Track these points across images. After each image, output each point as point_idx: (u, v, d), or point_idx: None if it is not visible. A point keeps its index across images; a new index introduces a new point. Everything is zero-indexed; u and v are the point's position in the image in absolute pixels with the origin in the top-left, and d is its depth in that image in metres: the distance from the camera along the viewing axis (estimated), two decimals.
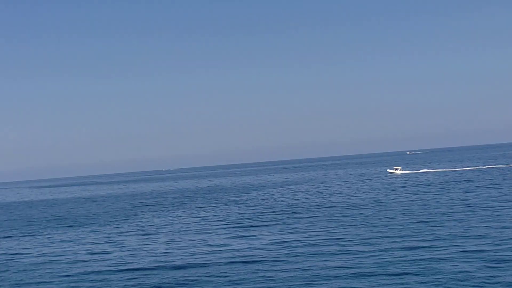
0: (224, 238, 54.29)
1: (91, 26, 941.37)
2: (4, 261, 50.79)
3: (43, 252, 54.35)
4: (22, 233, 72.68)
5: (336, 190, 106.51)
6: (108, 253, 50.55)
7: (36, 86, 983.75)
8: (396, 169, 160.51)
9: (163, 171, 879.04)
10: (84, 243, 58.03)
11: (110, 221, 78.81)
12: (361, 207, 72.72)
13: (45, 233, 70.48)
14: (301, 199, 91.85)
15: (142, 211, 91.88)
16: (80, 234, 66.14)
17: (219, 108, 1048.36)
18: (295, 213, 71.89)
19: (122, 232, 64.72)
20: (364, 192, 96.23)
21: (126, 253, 49.70)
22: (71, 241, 60.74)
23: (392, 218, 59.13)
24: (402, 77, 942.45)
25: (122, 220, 79.58)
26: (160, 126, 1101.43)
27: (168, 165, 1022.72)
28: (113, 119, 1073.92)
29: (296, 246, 46.51)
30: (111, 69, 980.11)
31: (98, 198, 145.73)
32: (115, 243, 56.17)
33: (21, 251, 55.87)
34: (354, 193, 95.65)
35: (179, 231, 61.82)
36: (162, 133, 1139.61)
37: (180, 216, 78.58)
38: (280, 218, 67.54)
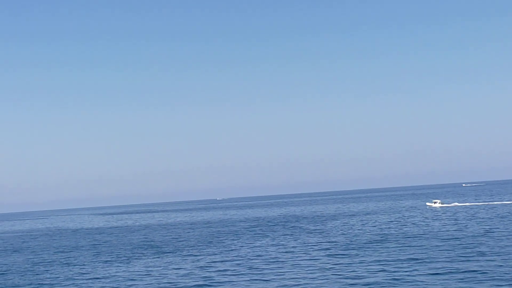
0: (339, 266, 54.13)
1: (161, 61, 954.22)
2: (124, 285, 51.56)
3: (158, 277, 54.94)
4: (117, 258, 73.56)
5: (390, 221, 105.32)
6: (233, 281, 50.42)
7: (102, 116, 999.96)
8: (435, 202, 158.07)
9: (217, 200, 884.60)
10: (191, 270, 58.42)
11: (202, 248, 79.20)
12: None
13: (141, 258, 71.17)
14: (378, 228, 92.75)
15: (227, 239, 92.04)
16: (181, 260, 66.57)
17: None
18: (385, 241, 71.61)
19: (225, 260, 64.61)
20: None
21: (254, 280, 49.76)
22: (178, 267, 61.21)
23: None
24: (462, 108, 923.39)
25: (215, 247, 79.77)
26: (215, 158, 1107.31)
27: (222, 195, 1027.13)
28: (168, 151, 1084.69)
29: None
30: (173, 102, 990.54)
31: (171, 226, 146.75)
32: (229, 271, 56.18)
33: (133, 277, 56.38)
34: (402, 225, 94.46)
35: (284, 260, 61.45)
36: (216, 165, 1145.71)
37: (272, 244, 78.34)
38: (375, 246, 67.12)
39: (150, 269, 60.83)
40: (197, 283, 49.96)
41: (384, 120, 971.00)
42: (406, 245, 66.82)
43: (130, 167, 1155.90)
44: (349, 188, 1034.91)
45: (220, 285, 48.51)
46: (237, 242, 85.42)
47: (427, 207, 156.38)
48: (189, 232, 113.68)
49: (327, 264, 55.79)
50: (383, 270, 49.56)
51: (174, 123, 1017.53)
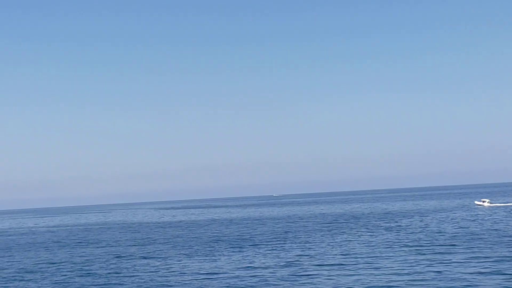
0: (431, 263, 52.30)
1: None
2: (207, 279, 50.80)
3: (248, 271, 54.09)
4: (197, 252, 73.04)
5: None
6: (331, 276, 49.23)
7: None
8: (484, 201, 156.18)
9: (273, 196, 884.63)
10: (280, 264, 57.35)
11: (281, 243, 78.24)
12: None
13: (222, 253, 70.49)
14: (455, 226, 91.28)
15: (302, 234, 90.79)
16: (266, 255, 65.70)
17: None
18: (474, 239, 69.42)
19: (310, 255, 63.56)
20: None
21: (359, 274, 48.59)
22: (262, 260, 60.29)
23: None
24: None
25: (294, 242, 78.72)
26: (270, 153, 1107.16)
27: (277, 191, 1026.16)
28: (226, 146, 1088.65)
29: None
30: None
31: (238, 221, 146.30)
32: (323, 266, 55.18)
33: (223, 270, 55.67)
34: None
35: (373, 256, 59.92)
36: (272, 160, 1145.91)
37: (353, 240, 76.84)
38: (461, 244, 65.05)
39: (236, 262, 60.19)
40: (292, 276, 48.82)
41: (430, 117, 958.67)
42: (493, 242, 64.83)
43: (187, 161, 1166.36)
44: (397, 186, 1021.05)
45: (316, 278, 47.48)
46: (315, 237, 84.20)
47: (476, 206, 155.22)
48: (260, 227, 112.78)
49: (421, 261, 54.15)
50: (486, 268, 47.65)
51: (230, 118, 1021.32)
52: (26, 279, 57.10)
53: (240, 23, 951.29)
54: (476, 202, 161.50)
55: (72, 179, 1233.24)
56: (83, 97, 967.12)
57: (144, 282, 51.16)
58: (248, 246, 76.07)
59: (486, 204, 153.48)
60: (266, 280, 48.53)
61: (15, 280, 56.94)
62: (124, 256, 72.03)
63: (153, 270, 57.92)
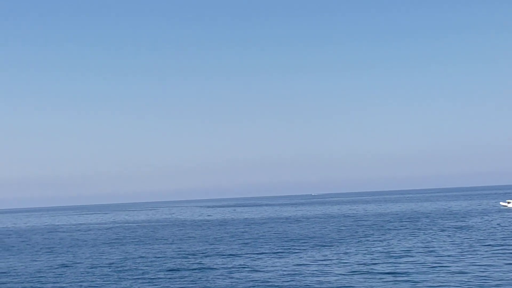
0: None
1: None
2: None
3: (329, 269, 52.87)
4: (270, 249, 71.99)
5: None
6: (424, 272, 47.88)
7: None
8: (509, 202, 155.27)
9: (312, 195, 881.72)
10: (362, 263, 55.99)
11: (354, 242, 76.86)
12: None
13: (295, 250, 69.36)
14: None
15: (371, 233, 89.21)
16: (344, 253, 64.35)
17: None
18: None
19: (389, 252, 62.12)
20: None
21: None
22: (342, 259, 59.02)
23: None
24: None
25: (367, 241, 77.25)
26: (309, 152, 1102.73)
27: (316, 190, 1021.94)
28: (270, 143, 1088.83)
29: None
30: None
31: (295, 219, 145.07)
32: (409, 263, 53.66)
33: (304, 269, 54.53)
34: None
35: (456, 254, 58.30)
36: (311, 159, 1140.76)
37: (426, 239, 75.04)
38: None
39: (315, 261, 59.01)
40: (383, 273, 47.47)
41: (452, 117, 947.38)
42: None
43: (223, 158, 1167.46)
44: (418, 187, 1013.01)
45: (406, 276, 46.05)
46: (387, 236, 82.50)
47: (502, 207, 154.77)
48: (324, 226, 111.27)
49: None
50: None
51: (265, 116, 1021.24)
52: (118, 274, 56.68)
53: (263, 25, 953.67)
54: (502, 203, 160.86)
55: (105, 176, 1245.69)
56: (120, 96, 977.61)
57: (231, 279, 50.30)
58: (324, 244, 74.87)
59: (511, 205, 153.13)
60: (361, 279, 47.24)
61: (107, 275, 56.61)
62: (197, 254, 71.29)
63: (235, 267, 57.09)
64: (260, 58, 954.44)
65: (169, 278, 52.64)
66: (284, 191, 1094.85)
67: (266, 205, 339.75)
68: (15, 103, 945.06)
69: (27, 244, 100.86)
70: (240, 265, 59.01)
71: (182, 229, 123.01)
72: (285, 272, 52.71)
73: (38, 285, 52.70)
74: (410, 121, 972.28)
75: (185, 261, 64.10)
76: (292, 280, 48.34)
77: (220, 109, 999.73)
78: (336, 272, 51.58)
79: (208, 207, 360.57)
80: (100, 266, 63.38)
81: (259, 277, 50.94)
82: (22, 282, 54.62)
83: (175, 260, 65.95)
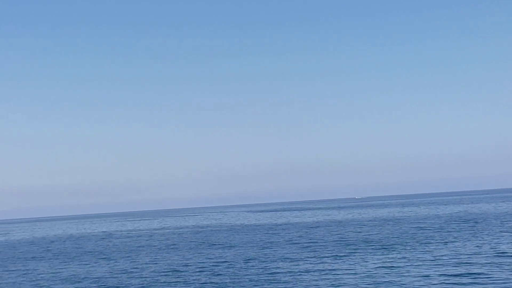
0: None
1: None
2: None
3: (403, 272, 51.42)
4: (333, 254, 70.75)
5: None
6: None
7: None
8: None
9: (356, 198, 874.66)
10: (436, 266, 54.36)
11: (417, 244, 75.04)
12: None
13: (360, 254, 67.97)
14: None
15: (431, 236, 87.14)
16: (412, 256, 62.72)
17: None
18: None
19: (459, 254, 60.34)
20: None
21: None
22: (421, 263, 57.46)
23: None
24: None
25: (430, 243, 75.38)
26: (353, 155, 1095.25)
27: (360, 193, 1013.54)
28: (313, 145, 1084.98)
29: None
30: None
31: (349, 223, 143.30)
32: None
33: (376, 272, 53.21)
34: None
35: None
36: (356, 162, 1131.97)
37: (496, 241, 72.84)
38: None
39: (383, 264, 57.58)
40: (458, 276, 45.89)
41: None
42: None
43: (264, 163, 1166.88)
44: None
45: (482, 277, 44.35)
46: (450, 238, 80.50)
47: None
48: (381, 229, 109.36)
49: None
50: None
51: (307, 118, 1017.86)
52: (185, 279, 56.20)
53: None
54: None
55: (147, 182, 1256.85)
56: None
57: (303, 282, 49.26)
58: (387, 247, 73.27)
59: None
60: (436, 282, 45.74)
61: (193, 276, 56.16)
62: (258, 258, 70.44)
63: (302, 271, 56.12)
64: (290, 62, 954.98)
65: (237, 283, 51.84)
66: (324, 195, 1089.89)
67: (311, 209, 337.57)
68: (61, 113, 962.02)
69: (84, 251, 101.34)
70: (307, 269, 57.98)
71: (235, 234, 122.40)
72: (357, 276, 51.54)
73: None
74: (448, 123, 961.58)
75: (249, 266, 63.32)
76: (371, 283, 47.14)
77: (255, 115, 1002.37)
78: (409, 274, 50.22)
79: (254, 212, 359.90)
80: (163, 272, 63.00)
81: (332, 280, 49.85)
82: None
83: (237, 265, 65.22)
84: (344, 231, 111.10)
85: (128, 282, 56.60)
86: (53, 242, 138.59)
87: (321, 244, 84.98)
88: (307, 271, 56.28)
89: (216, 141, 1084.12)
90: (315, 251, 75.31)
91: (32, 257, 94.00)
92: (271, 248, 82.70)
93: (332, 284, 48.16)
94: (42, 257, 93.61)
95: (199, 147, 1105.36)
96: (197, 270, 62.77)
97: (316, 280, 50.61)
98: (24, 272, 72.24)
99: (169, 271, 63.07)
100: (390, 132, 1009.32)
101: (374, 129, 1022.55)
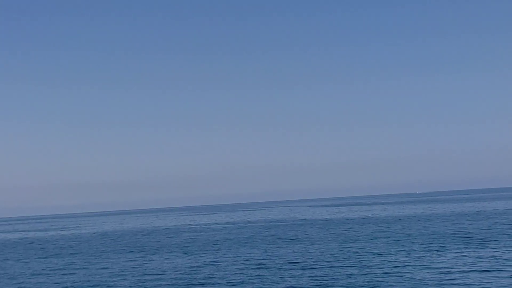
0: None
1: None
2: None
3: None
4: (427, 248, 68.51)
5: None
6: None
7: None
8: None
9: (417, 193, 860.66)
10: None
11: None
12: None
13: (458, 249, 65.55)
14: None
15: None
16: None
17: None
18: None
19: None
20: None
21: None
22: None
23: None
24: None
25: None
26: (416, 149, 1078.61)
27: (421, 188, 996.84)
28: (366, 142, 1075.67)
29: None
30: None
31: (428, 217, 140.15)
32: None
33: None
34: None
35: None
36: (417, 156, 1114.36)
37: None
38: None
39: (483, 258, 55.13)
40: None
41: None
42: None
43: (322, 160, 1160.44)
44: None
45: None
46: None
47: None
48: (462, 223, 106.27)
49: None
50: None
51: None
52: (273, 274, 55.16)
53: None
54: None
55: (207, 177, 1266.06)
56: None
57: (401, 277, 47.46)
58: (478, 242, 70.77)
59: None
60: None
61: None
62: (345, 253, 68.84)
63: (396, 266, 54.32)
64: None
65: (331, 276, 50.44)
66: (383, 190, 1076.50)
67: (376, 203, 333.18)
68: (126, 113, 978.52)
69: (160, 244, 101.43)
70: (405, 263, 56.10)
71: (309, 228, 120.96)
72: (457, 270, 49.45)
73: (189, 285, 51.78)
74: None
75: (341, 259, 61.83)
76: (475, 278, 45.06)
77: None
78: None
79: (319, 206, 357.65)
80: (251, 266, 62.04)
81: (432, 274, 47.92)
82: (173, 285, 53.77)
83: (326, 259, 63.78)
84: (423, 225, 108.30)
85: (221, 276, 55.82)
86: (124, 235, 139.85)
87: (407, 238, 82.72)
88: (405, 266, 54.46)
89: (274, 138, 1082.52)
90: (402, 245, 73.19)
91: (112, 250, 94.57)
92: (354, 243, 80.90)
93: (440, 280, 46.24)
94: (122, 250, 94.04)
95: (259, 143, 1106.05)
96: (287, 264, 61.56)
97: (420, 275, 48.74)
98: (110, 264, 72.41)
99: (256, 266, 62.06)
100: (452, 127, 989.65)
101: (435, 124, 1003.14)
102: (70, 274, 64.91)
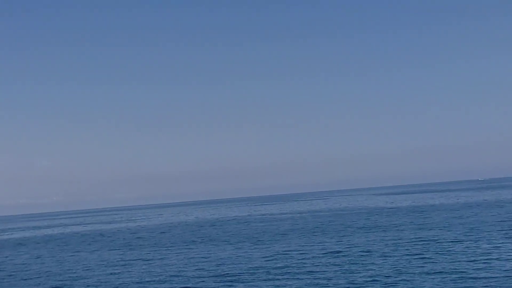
0: None
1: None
2: None
3: None
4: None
5: None
6: None
7: None
8: None
9: (479, 180, 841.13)
10: None
11: None
12: None
13: None
14: None
15: None
16: None
17: None
18: None
19: None
20: None
21: None
22: None
23: None
24: None
25: None
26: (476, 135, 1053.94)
27: (483, 175, 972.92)
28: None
29: None
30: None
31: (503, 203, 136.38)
32: None
33: None
34: None
35: None
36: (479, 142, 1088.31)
37: None
38: None
39: None
40: None
41: None
42: None
43: (380, 148, 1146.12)
44: None
45: None
46: None
47: None
48: None
49: None
50: None
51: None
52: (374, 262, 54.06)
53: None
54: None
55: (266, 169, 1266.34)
56: None
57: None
58: None
59: None
60: None
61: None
62: (426, 240, 67.14)
63: (482, 254, 52.41)
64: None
65: (414, 264, 49.00)
66: (443, 177, 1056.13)
67: (438, 191, 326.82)
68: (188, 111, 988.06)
69: (229, 235, 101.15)
70: (484, 249, 54.27)
71: (378, 217, 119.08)
72: None
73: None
74: None
75: (420, 247, 60.28)
76: None
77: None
78: None
79: (380, 194, 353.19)
80: (328, 254, 61.06)
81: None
82: (253, 274, 53.15)
83: (402, 246, 62.37)
84: (498, 211, 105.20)
85: (300, 265, 55.04)
86: (190, 225, 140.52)
87: (485, 225, 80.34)
88: (489, 253, 52.64)
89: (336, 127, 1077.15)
90: (482, 232, 70.94)
91: (182, 241, 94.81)
92: (429, 231, 78.93)
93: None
94: (193, 241, 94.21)
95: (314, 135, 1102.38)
96: (365, 253, 60.33)
97: (509, 263, 46.88)
98: (185, 255, 72.40)
99: (333, 254, 61.03)
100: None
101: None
102: (147, 265, 65.20)
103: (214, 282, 49.27)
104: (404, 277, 44.47)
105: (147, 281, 52.61)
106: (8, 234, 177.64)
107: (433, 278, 43.29)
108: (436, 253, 55.39)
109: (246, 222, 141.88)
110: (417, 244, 63.96)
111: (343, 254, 60.40)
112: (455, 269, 46.01)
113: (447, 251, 56.57)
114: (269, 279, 48.62)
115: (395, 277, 44.78)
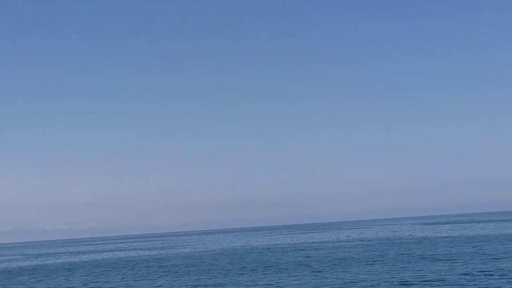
0: None
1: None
2: None
3: None
4: None
5: None
6: None
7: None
8: None
9: None
10: None
11: None
12: None
13: None
14: None
15: None
16: None
17: None
18: None
19: None
20: None
21: None
22: None
23: None
24: None
25: None
26: None
27: None
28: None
29: None
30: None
31: None
32: None
33: None
34: None
35: None
36: None
37: None
38: None
39: None
40: None
41: None
42: None
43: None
44: None
45: None
46: None
47: None
48: None
49: None
50: None
51: None
52: None
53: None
54: None
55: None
56: None
57: None
58: None
59: None
60: None
61: None
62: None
63: None
64: None
65: None
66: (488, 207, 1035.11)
67: (484, 221, 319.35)
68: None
69: (283, 262, 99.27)
70: None
71: (433, 246, 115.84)
72: None
73: None
74: None
75: (498, 277, 57.55)
76: None
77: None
78: None
79: (426, 224, 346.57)
80: (390, 284, 58.70)
81: None
82: None
83: (477, 276, 59.67)
84: None
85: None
86: (238, 253, 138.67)
87: None
88: None
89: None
90: None
91: (234, 269, 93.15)
92: (499, 261, 75.94)
93: None
94: (244, 268, 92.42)
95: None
96: (435, 282, 57.89)
97: None
98: (237, 284, 70.77)
99: (401, 284, 58.68)
100: None
101: None
102: None
103: None
104: None
105: None
106: (67, 257, 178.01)
107: None
108: None
109: (294, 249, 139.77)
110: (493, 275, 61.26)
111: (411, 283, 58.21)
112: None
113: None
114: None
115: None
